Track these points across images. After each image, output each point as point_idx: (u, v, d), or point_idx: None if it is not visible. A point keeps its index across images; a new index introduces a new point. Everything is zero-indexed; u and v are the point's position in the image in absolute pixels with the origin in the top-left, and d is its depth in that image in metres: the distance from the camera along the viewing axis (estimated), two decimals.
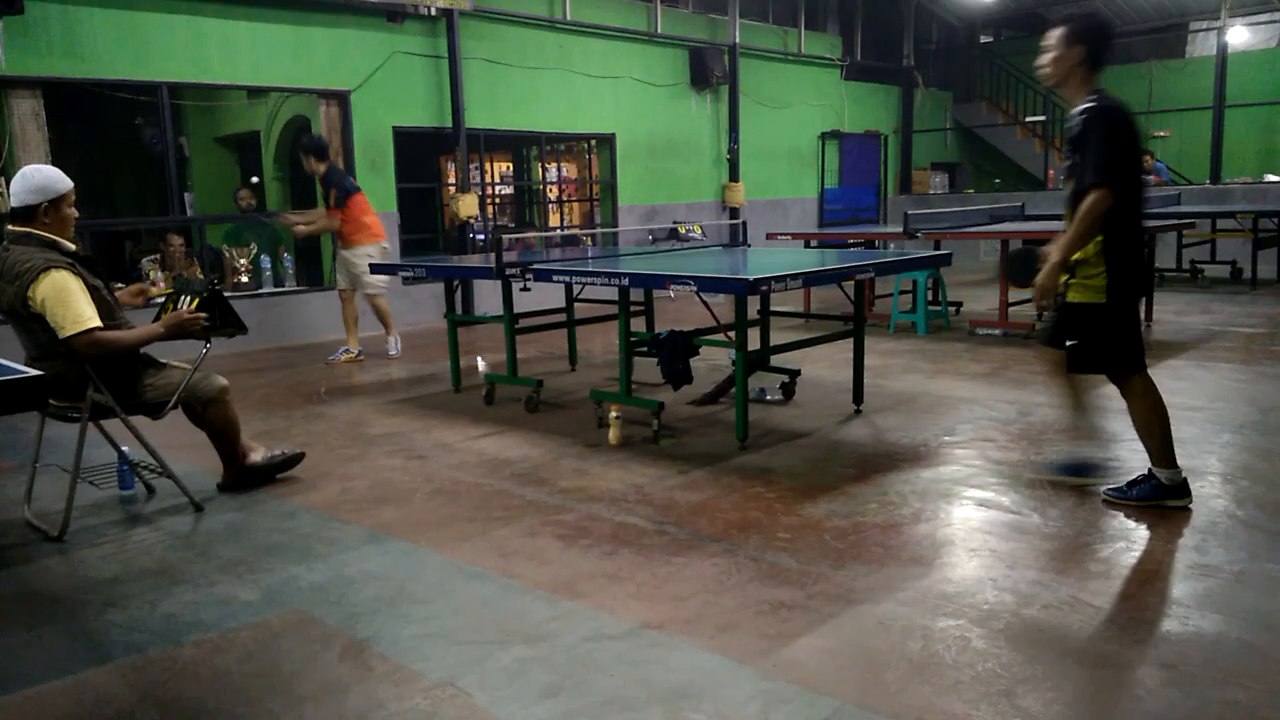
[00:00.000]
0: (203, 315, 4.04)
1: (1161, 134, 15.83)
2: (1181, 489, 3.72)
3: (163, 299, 4.27)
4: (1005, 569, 3.22)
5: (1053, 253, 3.57)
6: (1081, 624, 2.79)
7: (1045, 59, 3.68)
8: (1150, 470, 3.75)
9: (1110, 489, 3.85)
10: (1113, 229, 3.50)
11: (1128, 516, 3.65)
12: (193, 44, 8.18)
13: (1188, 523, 3.57)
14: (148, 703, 2.54)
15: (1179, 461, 3.71)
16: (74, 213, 3.98)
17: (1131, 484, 3.80)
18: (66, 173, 3.97)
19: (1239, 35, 14.35)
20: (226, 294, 4.65)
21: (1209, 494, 3.89)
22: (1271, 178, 13.19)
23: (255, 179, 10.77)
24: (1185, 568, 3.18)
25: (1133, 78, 16.28)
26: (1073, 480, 4.02)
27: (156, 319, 4.10)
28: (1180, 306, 9.18)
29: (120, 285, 4.61)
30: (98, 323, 3.77)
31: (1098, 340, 3.64)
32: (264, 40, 8.61)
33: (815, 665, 2.60)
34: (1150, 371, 3.70)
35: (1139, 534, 3.49)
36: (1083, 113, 3.53)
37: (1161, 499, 3.72)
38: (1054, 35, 3.66)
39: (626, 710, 2.40)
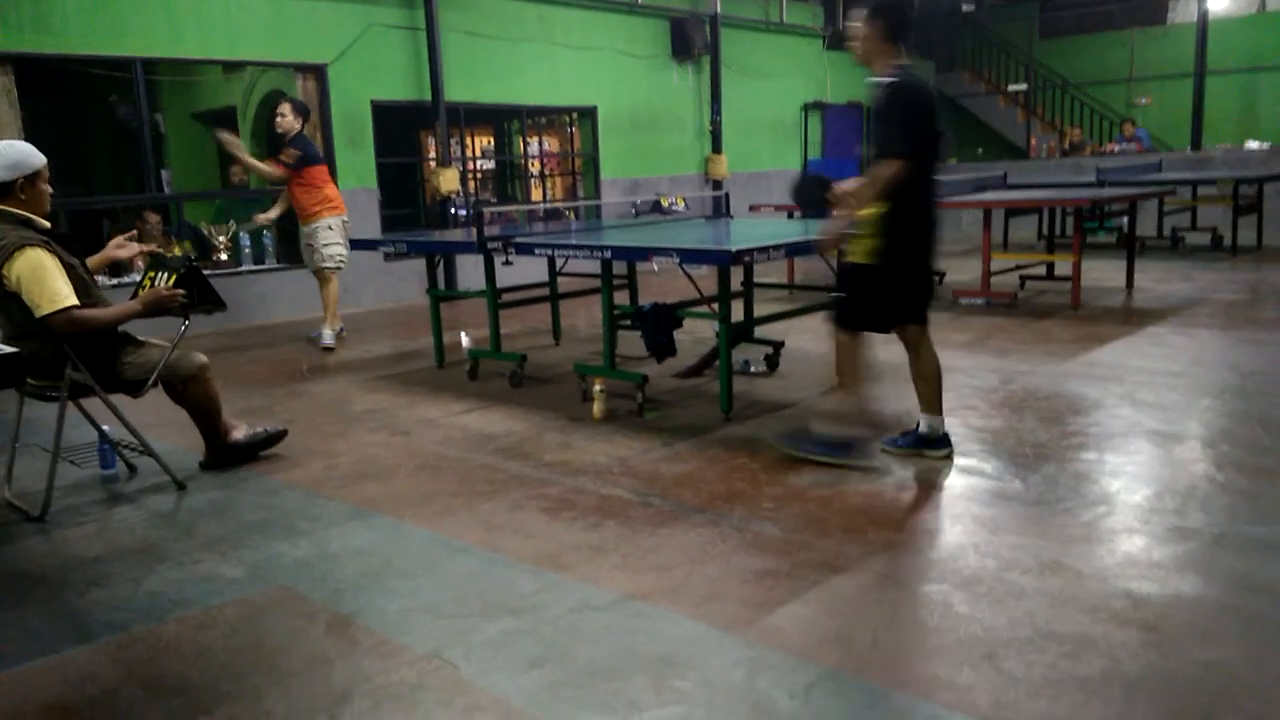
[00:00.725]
0: (180, 292, 4.00)
1: (1143, 101, 15.85)
2: (942, 441, 4.01)
3: (140, 275, 4.23)
4: (987, 534, 3.24)
5: (842, 208, 3.79)
6: (1062, 587, 2.81)
7: (854, 39, 3.87)
8: (918, 421, 4.03)
9: (886, 439, 4.13)
10: (898, 200, 3.66)
11: (1108, 483, 3.69)
12: (166, 18, 8.04)
13: (1168, 487, 3.61)
14: (132, 680, 2.54)
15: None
16: (48, 189, 3.93)
17: (904, 434, 4.11)
18: (41, 150, 3.90)
19: (1219, 2, 14.34)
20: (206, 271, 4.61)
21: (1189, 458, 3.93)
22: (1252, 144, 13.23)
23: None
24: (1165, 530, 3.21)
25: (1114, 45, 16.28)
26: (831, 459, 4.00)
27: (134, 296, 4.06)
28: (1161, 274, 9.23)
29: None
30: (74, 301, 3.72)
31: (861, 299, 3.85)
32: (238, 13, 8.47)
33: (799, 632, 2.62)
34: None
35: (1120, 499, 3.52)
36: (886, 87, 3.68)
37: (922, 448, 4.02)
38: (859, 16, 3.85)
39: (612, 679, 2.41)
